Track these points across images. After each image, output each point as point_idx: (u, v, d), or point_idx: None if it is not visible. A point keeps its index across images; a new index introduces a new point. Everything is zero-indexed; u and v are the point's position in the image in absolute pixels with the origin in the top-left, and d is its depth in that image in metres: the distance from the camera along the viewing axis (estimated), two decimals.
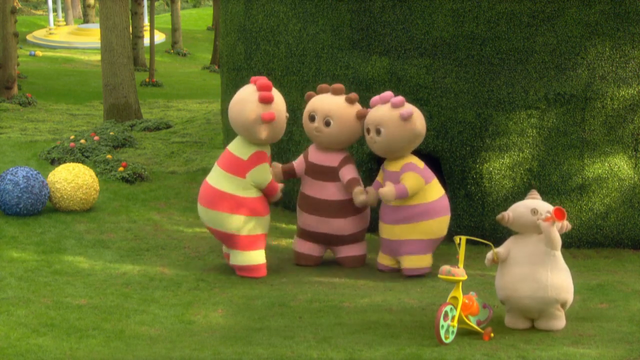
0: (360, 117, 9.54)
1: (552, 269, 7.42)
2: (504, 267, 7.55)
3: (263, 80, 9.27)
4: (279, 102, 9.33)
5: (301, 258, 9.85)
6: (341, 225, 9.60)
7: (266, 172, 9.32)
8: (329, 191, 9.56)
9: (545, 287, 7.39)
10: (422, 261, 9.48)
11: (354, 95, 9.60)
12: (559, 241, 7.37)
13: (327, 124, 9.48)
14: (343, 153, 9.66)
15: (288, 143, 11.55)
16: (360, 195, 9.39)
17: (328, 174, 9.57)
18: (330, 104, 9.51)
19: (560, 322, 7.52)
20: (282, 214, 11.40)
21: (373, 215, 10.10)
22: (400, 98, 9.35)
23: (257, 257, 9.35)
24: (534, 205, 7.49)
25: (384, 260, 9.74)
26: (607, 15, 10.17)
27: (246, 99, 9.23)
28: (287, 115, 9.53)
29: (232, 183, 9.23)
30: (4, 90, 19.55)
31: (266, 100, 9.15)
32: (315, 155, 9.70)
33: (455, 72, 10.44)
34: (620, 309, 8.06)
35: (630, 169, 10.45)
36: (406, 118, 9.24)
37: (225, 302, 8.38)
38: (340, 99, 9.55)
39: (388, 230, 9.54)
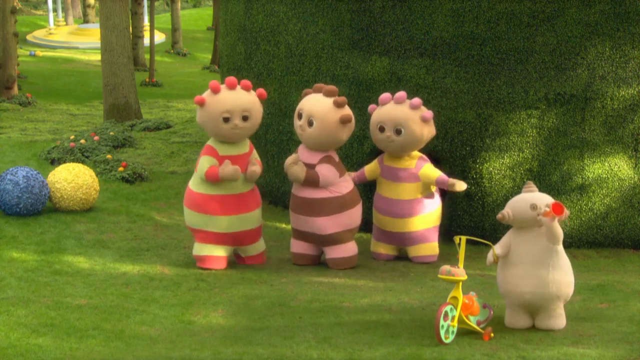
0: (345, 121, 9.42)
1: (553, 264, 7.41)
2: (506, 262, 7.54)
3: (244, 81, 9.42)
4: (226, 101, 9.16)
5: (297, 258, 9.84)
6: (323, 224, 9.55)
7: (203, 163, 9.28)
8: (310, 189, 9.53)
9: (546, 283, 7.38)
10: (433, 249, 10.03)
11: (341, 99, 9.46)
12: (560, 235, 7.36)
13: (310, 124, 9.47)
14: (326, 152, 9.61)
15: (288, 143, 11.54)
16: (293, 164, 9.45)
17: None
18: (316, 105, 9.47)
19: (560, 321, 7.52)
20: (283, 214, 11.40)
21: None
22: (418, 100, 9.71)
23: (206, 249, 9.42)
24: (532, 200, 7.45)
25: (381, 248, 10.12)
26: (607, 15, 10.17)
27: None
28: (237, 123, 9.18)
29: (193, 178, 9.52)
30: (4, 90, 19.54)
31: (211, 87, 9.26)
32: (302, 153, 9.70)
33: (455, 72, 10.43)
34: (620, 309, 8.06)
35: (630, 169, 10.45)
36: (428, 120, 9.66)
37: (225, 302, 8.38)
38: (328, 102, 9.46)
39: (400, 224, 9.84)
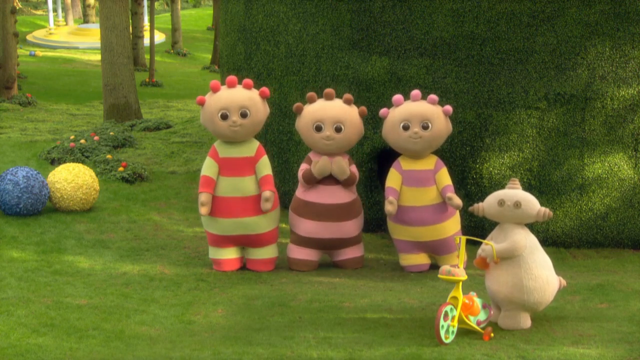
0: (363, 114, 9.51)
1: (528, 269, 7.38)
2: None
3: (246, 79, 9.39)
4: (222, 98, 9.15)
5: (298, 264, 9.69)
6: (351, 228, 9.59)
7: (203, 166, 9.31)
8: (339, 195, 9.52)
9: (514, 285, 7.36)
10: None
11: (349, 96, 9.56)
12: (509, 251, 7.35)
13: (338, 130, 9.39)
14: (343, 154, 9.63)
15: (288, 143, 11.54)
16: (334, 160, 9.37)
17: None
18: (335, 111, 9.41)
19: (514, 322, 7.47)
20: (282, 214, 11.38)
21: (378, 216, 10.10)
22: (435, 96, 9.44)
23: (219, 252, 9.43)
24: (502, 196, 7.47)
25: (414, 260, 9.66)
26: (607, 15, 10.17)
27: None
28: (235, 120, 9.11)
29: None
30: (4, 90, 19.55)
31: (211, 87, 9.27)
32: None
33: (455, 72, 10.43)
34: (620, 309, 8.06)
35: (630, 169, 10.45)
36: (449, 114, 9.40)
37: (225, 302, 8.38)
38: (339, 103, 9.49)
39: (430, 232, 9.46)
